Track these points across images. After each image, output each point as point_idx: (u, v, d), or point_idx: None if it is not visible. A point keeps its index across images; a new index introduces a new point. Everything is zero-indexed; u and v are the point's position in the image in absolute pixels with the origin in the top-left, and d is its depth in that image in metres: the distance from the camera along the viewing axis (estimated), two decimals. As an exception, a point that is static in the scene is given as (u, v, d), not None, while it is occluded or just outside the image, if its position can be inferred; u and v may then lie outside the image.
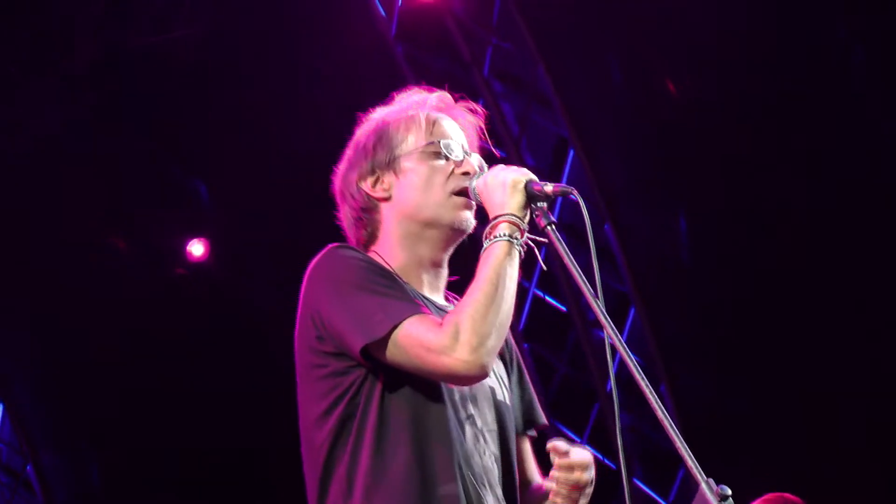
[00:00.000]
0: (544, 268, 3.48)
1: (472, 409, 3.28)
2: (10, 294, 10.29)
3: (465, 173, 3.39)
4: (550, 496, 3.29)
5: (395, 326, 3.13)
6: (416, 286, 3.37)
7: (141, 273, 10.20)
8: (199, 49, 9.32)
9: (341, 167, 3.49)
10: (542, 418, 3.57)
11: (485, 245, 3.24)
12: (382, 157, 3.42)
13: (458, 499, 3.16)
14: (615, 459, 9.65)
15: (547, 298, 10.09)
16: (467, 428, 3.25)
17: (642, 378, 3.02)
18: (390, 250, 3.39)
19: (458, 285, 3.41)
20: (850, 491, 8.30)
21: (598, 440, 9.85)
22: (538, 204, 3.26)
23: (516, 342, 3.68)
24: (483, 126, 3.55)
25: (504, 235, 3.21)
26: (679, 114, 9.35)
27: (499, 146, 9.90)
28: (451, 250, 3.44)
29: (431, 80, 9.98)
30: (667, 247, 9.93)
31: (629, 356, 3.04)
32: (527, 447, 3.55)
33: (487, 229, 3.26)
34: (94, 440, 10.92)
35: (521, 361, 3.60)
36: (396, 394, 3.20)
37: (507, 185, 3.26)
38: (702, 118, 9.17)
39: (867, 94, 8.52)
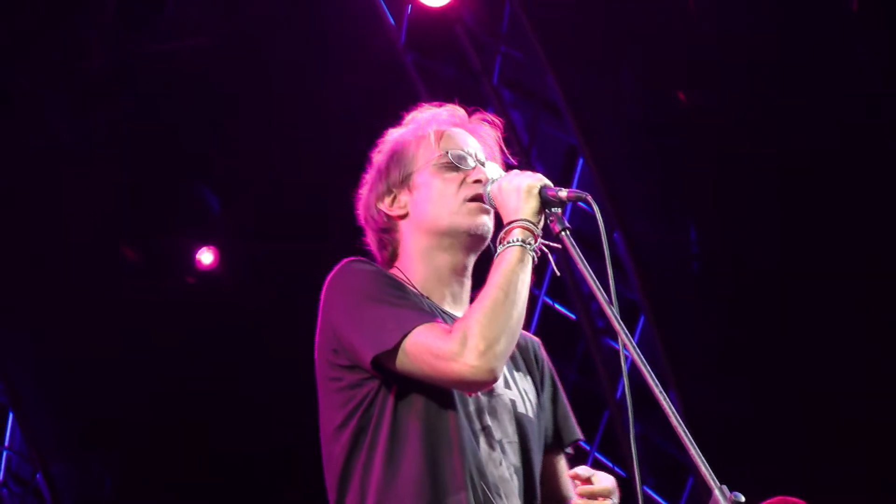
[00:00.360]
0: (557, 273, 3.46)
1: (488, 421, 3.28)
2: (20, 303, 10.29)
3: (478, 181, 3.41)
4: None
5: (405, 336, 3.15)
6: (438, 300, 3.40)
7: (151, 282, 10.21)
8: (208, 59, 9.33)
9: (362, 192, 3.55)
10: (577, 434, 3.59)
11: (498, 250, 3.25)
12: (396, 175, 3.47)
13: (469, 508, 3.16)
14: (625, 467, 9.63)
15: (556, 306, 10.07)
16: (482, 439, 3.25)
17: (656, 385, 3.01)
18: (411, 265, 3.43)
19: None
20: (856, 496, 8.31)
21: (608, 448, 9.84)
22: (552, 209, 3.26)
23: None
24: (501, 136, 3.62)
25: (517, 241, 3.21)
26: (689, 123, 9.35)
27: (508, 155, 9.89)
28: (472, 258, 3.45)
29: (441, 89, 10.04)
30: (676, 255, 9.93)
31: (643, 363, 3.03)
32: (562, 463, 3.56)
33: (501, 234, 3.27)
34: (103, 448, 10.91)
35: (556, 378, 3.61)
36: (409, 404, 3.21)
37: (521, 191, 3.27)
38: (711, 127, 9.16)
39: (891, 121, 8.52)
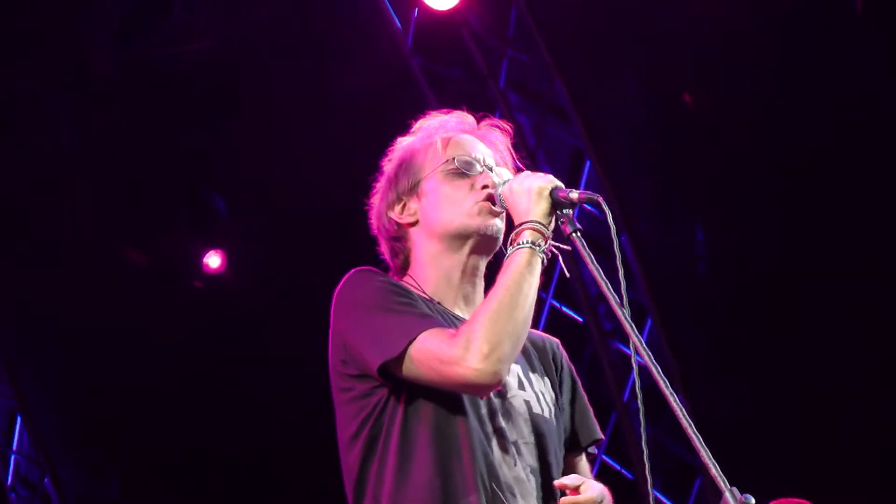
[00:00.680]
0: (567, 274, 3.46)
1: (502, 423, 3.29)
2: (25, 306, 10.30)
3: (485, 186, 3.43)
4: None
5: (410, 342, 3.16)
6: (450, 305, 3.42)
7: (158, 285, 10.21)
8: (213, 63, 9.33)
9: (374, 202, 3.58)
10: (597, 433, 3.59)
11: (507, 252, 3.27)
12: (405, 183, 3.51)
13: (481, 509, 3.16)
14: (633, 470, 9.63)
15: (564, 309, 10.06)
16: (495, 440, 3.26)
17: (667, 387, 3.01)
18: (422, 272, 3.45)
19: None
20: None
21: (616, 451, 9.83)
22: (563, 211, 3.27)
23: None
24: (511, 141, 3.62)
25: (527, 243, 3.23)
26: (696, 125, 9.35)
27: (518, 157, 9.88)
28: (484, 261, 3.47)
29: (447, 93, 10.03)
30: (683, 257, 9.91)
31: (654, 365, 3.03)
32: (583, 463, 3.57)
33: (511, 236, 3.28)
34: (112, 453, 10.92)
35: (577, 379, 3.62)
36: (419, 411, 3.23)
37: (532, 192, 3.28)
38: (718, 129, 9.16)
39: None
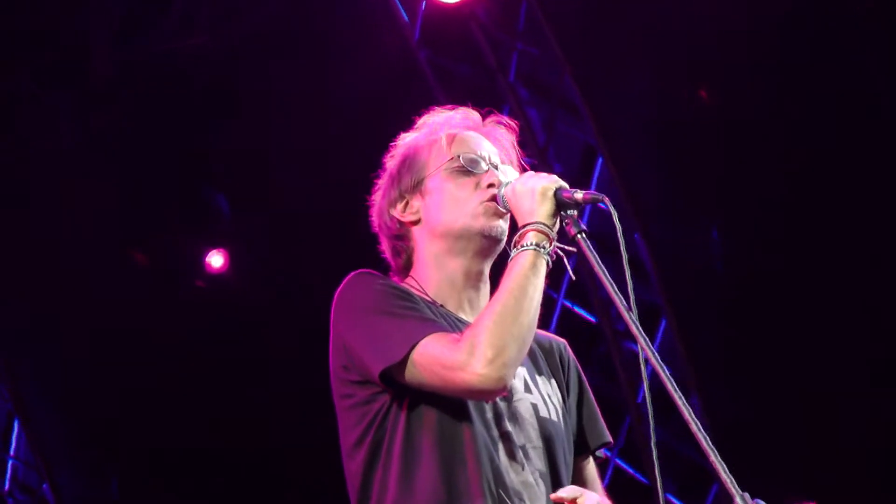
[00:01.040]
0: (573, 277, 3.46)
1: (508, 427, 3.29)
2: (24, 308, 10.32)
3: (490, 185, 3.43)
4: None
5: (412, 347, 3.16)
6: (454, 308, 3.42)
7: (160, 285, 10.24)
8: (216, 59, 9.34)
9: (375, 199, 3.59)
10: (606, 437, 3.60)
11: (511, 254, 3.27)
12: (408, 181, 3.51)
13: (487, 515, 3.16)
14: (647, 474, 9.63)
15: (576, 309, 10.05)
16: (501, 445, 3.26)
17: (676, 391, 3.01)
18: (425, 273, 3.46)
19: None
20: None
21: (630, 455, 9.84)
22: (568, 212, 3.26)
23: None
24: (516, 139, 3.62)
25: (531, 245, 3.23)
26: (711, 121, 9.34)
27: (524, 154, 9.88)
28: (487, 263, 3.47)
29: (455, 87, 10.01)
30: (699, 257, 9.91)
31: (662, 369, 3.04)
32: (590, 467, 3.58)
33: (515, 238, 3.28)
34: (111, 458, 10.95)
35: (584, 381, 3.62)
36: (422, 417, 3.23)
37: (535, 193, 3.28)
38: (735, 125, 9.15)
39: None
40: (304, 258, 9.73)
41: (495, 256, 3.47)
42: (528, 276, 3.20)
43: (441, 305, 3.40)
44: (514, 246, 3.26)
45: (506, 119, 3.63)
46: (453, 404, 3.22)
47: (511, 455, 3.27)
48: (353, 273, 3.38)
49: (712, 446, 2.98)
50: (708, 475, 9.64)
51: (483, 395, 3.19)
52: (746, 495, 2.85)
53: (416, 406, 3.23)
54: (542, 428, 3.35)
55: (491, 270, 3.50)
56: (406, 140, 3.60)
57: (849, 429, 8.77)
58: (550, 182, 3.29)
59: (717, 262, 9.82)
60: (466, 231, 3.40)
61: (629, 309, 3.12)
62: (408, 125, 3.66)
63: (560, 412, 3.43)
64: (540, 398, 3.39)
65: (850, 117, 8.61)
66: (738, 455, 9.14)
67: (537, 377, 3.44)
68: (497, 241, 3.42)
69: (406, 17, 9.83)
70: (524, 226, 3.26)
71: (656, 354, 3.09)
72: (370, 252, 3.63)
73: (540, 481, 3.30)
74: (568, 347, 3.64)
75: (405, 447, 3.21)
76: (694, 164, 9.52)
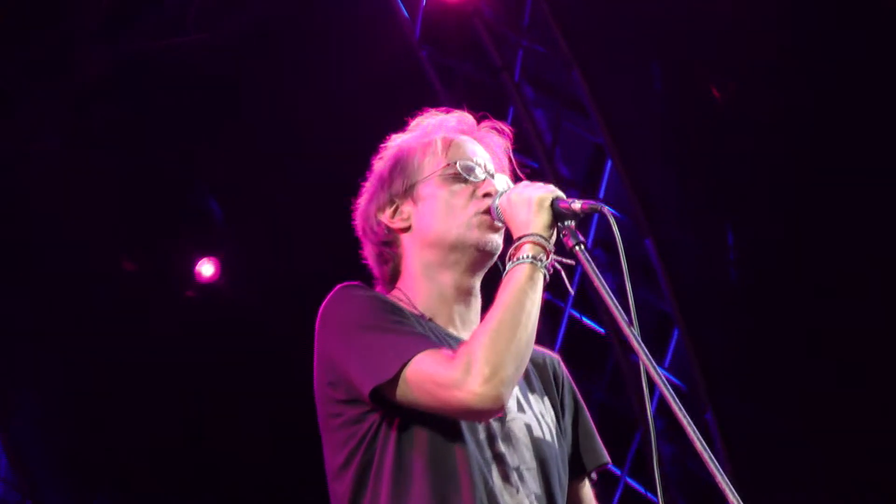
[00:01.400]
0: (571, 291, 3.47)
1: (502, 448, 3.28)
2: (12, 319, 10.34)
3: (487, 194, 3.41)
4: None
5: (404, 364, 3.14)
6: (443, 322, 3.40)
7: (150, 296, 10.24)
8: (210, 58, 9.34)
9: (361, 201, 3.56)
10: (604, 457, 3.59)
11: (507, 268, 3.25)
12: (399, 185, 3.49)
13: (481, 539, 3.16)
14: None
15: (584, 320, 10.04)
16: (495, 467, 3.25)
17: (680, 409, 3.03)
18: (413, 284, 3.44)
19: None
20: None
21: (640, 472, 9.84)
22: (566, 223, 3.26)
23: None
24: (510, 146, 3.58)
25: (527, 257, 3.22)
26: (725, 120, 9.33)
27: (530, 156, 9.90)
28: (479, 276, 3.45)
29: (458, 86, 9.99)
30: (713, 263, 9.91)
31: (665, 386, 3.05)
32: (586, 490, 3.59)
33: (510, 251, 3.26)
34: (97, 475, 10.97)
35: (579, 398, 3.61)
36: (413, 437, 3.21)
37: (531, 203, 3.27)
38: (749, 125, 9.15)
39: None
40: (302, 266, 9.73)
41: (486, 270, 3.46)
42: (526, 291, 3.19)
43: (430, 320, 3.39)
44: (510, 259, 3.25)
45: (500, 125, 3.60)
46: (446, 424, 3.21)
47: (505, 477, 3.25)
48: (338, 286, 3.35)
49: (717, 464, 3.00)
50: (719, 493, 9.63)
51: (479, 414, 3.17)
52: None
53: (408, 426, 3.21)
54: (537, 449, 3.34)
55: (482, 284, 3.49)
56: (398, 141, 3.57)
57: (870, 443, 8.77)
58: (547, 192, 3.28)
59: (732, 268, 9.83)
60: (460, 243, 3.39)
61: (630, 324, 3.12)
62: (406, 126, 3.64)
63: (554, 432, 3.43)
64: (533, 418, 3.38)
65: (876, 115, 8.60)
66: (756, 472, 9.18)
67: (530, 395, 3.44)
68: (491, 255, 3.41)
69: (406, 14, 9.84)
70: (520, 238, 3.25)
71: (659, 371, 3.10)
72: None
73: None
74: (561, 363, 3.63)
75: (396, 468, 3.19)
76: (708, 166, 9.53)
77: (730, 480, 2.98)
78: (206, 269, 10.39)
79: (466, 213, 3.40)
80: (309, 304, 3.47)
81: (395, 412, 3.20)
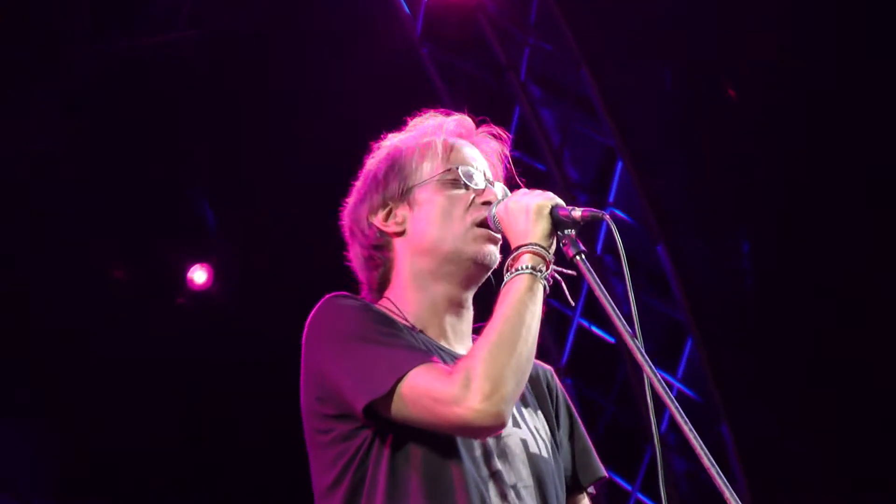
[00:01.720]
0: (572, 303, 3.46)
1: (498, 465, 3.27)
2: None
3: (487, 203, 3.40)
4: None
5: (400, 379, 3.12)
6: (434, 334, 3.39)
7: (137, 304, 10.25)
8: (206, 55, 9.35)
9: (351, 201, 3.53)
10: (601, 471, 3.59)
11: (505, 279, 3.24)
12: (395, 187, 3.46)
13: (479, 559, 3.18)
14: (670, 510, 9.66)
15: (593, 329, 10.04)
16: (492, 485, 3.25)
17: (686, 422, 3.06)
18: (404, 293, 3.42)
19: (484, 332, 3.36)
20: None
21: (652, 488, 9.84)
22: (566, 231, 3.26)
23: (558, 377, 3.70)
24: (508, 153, 3.57)
25: (526, 268, 3.22)
26: (741, 122, 9.34)
27: (537, 158, 9.92)
28: (473, 289, 3.45)
29: (461, 86, 9.97)
30: (728, 271, 9.92)
31: (671, 399, 3.07)
32: None
33: (509, 261, 3.26)
34: (89, 488, 10.99)
35: (573, 411, 3.62)
36: (407, 455, 3.20)
37: (530, 211, 3.26)
38: (767, 126, 9.16)
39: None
40: (299, 273, 9.73)
41: (481, 283, 3.45)
42: (525, 303, 3.18)
43: (420, 331, 3.37)
44: (508, 270, 3.24)
45: (497, 130, 3.58)
46: (441, 441, 3.20)
47: (502, 495, 3.25)
48: (327, 296, 3.33)
49: (724, 480, 3.03)
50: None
51: (478, 432, 3.16)
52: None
53: (401, 442, 3.20)
54: (533, 465, 3.34)
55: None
56: (394, 141, 3.55)
57: (891, 459, 8.80)
58: (546, 199, 3.28)
59: (748, 277, 9.84)
60: (456, 255, 3.38)
61: (633, 335, 3.14)
62: (403, 128, 3.60)
63: (549, 447, 3.43)
64: (529, 433, 3.38)
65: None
66: (773, 488, 9.17)
67: (524, 410, 3.43)
68: (488, 268, 3.40)
69: (407, 9, 9.85)
70: (518, 247, 3.25)
71: (663, 383, 3.12)
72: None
73: None
74: (554, 374, 3.63)
75: (390, 487, 3.18)
76: (723, 169, 9.54)
77: (746, 497, 3.00)
78: (199, 275, 10.40)
79: (465, 223, 3.39)
80: (305, 311, 3.47)
81: (389, 428, 3.19)
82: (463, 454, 3.22)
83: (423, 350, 3.25)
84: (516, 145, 9.89)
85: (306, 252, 9.70)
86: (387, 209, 3.47)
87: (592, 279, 3.21)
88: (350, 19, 9.63)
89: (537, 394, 3.54)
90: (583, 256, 3.24)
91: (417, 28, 9.87)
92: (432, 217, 3.42)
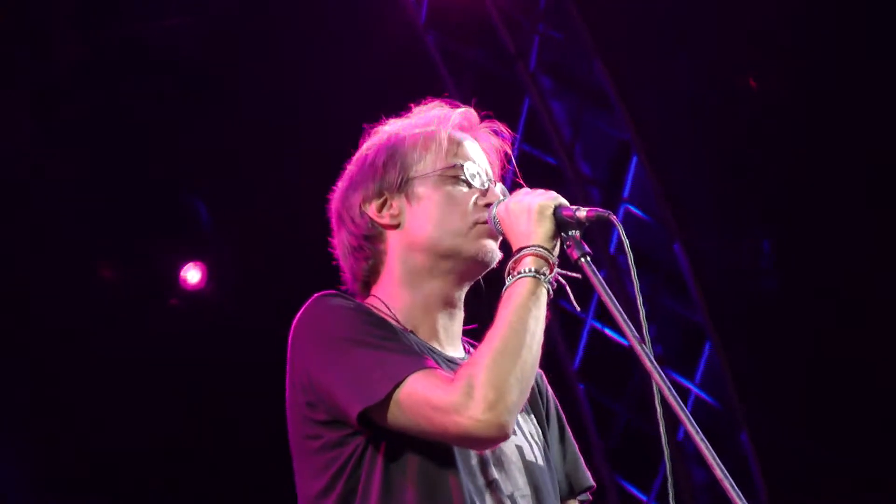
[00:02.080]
0: (577, 308, 3.45)
1: (494, 474, 3.27)
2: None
3: (489, 204, 3.39)
4: None
5: (397, 385, 3.11)
6: (425, 335, 3.38)
7: (129, 305, 10.27)
8: (195, 45, 9.35)
9: (341, 185, 3.50)
10: (590, 480, 3.58)
11: (507, 282, 3.23)
12: (393, 177, 3.44)
13: (475, 572, 3.18)
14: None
15: (606, 332, 10.03)
16: (488, 495, 3.24)
17: (697, 431, 3.07)
18: (393, 290, 3.40)
19: (477, 334, 3.33)
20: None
21: (668, 498, 9.84)
22: (570, 232, 3.25)
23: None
24: (510, 151, 3.55)
25: (529, 271, 3.20)
26: (761, 115, 9.34)
27: (548, 152, 9.92)
28: (466, 287, 3.43)
29: (467, 75, 9.97)
30: (747, 271, 9.92)
31: (681, 408, 3.08)
32: None
33: (511, 264, 3.25)
34: (88, 488, 11.01)
35: (561, 413, 3.61)
36: (403, 463, 3.19)
37: (532, 212, 3.25)
38: (788, 120, 9.16)
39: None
40: (296, 274, 9.72)
41: (475, 281, 3.44)
42: (529, 308, 3.17)
43: (411, 332, 3.36)
44: (510, 273, 3.23)
45: (500, 126, 3.55)
46: (436, 449, 3.19)
47: None
48: (314, 296, 3.31)
49: (738, 492, 3.04)
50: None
51: (480, 442, 3.16)
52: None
53: (395, 451, 3.19)
54: (530, 474, 3.34)
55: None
56: (395, 127, 3.52)
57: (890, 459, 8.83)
58: (548, 199, 3.26)
59: (768, 277, 9.84)
60: (455, 253, 3.37)
61: (641, 341, 3.13)
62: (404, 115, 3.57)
63: (544, 454, 3.43)
64: (524, 440, 3.38)
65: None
66: (794, 498, 9.17)
67: (518, 416, 3.38)
68: (487, 266, 3.40)
69: (411, -5, 9.87)
70: (520, 249, 3.23)
71: (674, 392, 3.12)
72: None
73: None
74: (544, 377, 3.61)
75: (383, 497, 3.17)
76: (743, 165, 9.54)
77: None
78: (192, 275, 10.41)
79: (466, 222, 3.38)
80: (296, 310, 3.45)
81: (382, 436, 3.18)
82: (459, 463, 3.21)
83: (420, 354, 3.23)
84: (525, 139, 9.92)
85: (301, 251, 9.74)
86: (382, 199, 3.44)
87: (598, 282, 3.19)
88: (351, 6, 9.63)
89: (529, 398, 3.49)
90: (588, 258, 3.23)
91: (422, 14, 9.87)
92: (431, 214, 3.40)
